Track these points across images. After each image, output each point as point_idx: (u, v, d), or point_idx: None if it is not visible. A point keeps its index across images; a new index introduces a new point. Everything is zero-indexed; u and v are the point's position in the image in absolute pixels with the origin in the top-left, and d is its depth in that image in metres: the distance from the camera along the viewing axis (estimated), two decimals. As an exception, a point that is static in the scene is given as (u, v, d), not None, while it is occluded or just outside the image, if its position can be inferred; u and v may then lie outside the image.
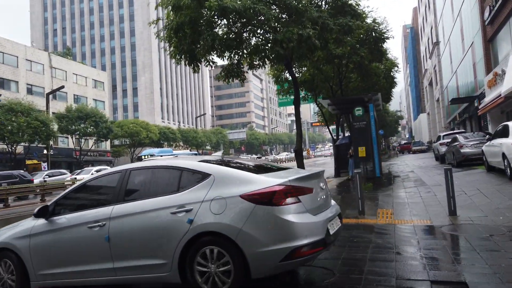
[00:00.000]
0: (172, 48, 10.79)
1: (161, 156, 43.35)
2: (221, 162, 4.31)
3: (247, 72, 13.23)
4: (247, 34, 10.79)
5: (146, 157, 42.76)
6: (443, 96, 40.97)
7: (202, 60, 11.70)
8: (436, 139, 23.95)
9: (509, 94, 14.66)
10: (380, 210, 8.03)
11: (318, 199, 3.99)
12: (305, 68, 17.35)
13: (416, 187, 10.89)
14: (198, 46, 9.57)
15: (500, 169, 11.02)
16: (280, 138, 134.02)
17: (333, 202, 4.63)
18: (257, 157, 69.65)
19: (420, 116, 72.23)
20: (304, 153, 76.02)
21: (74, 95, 53.83)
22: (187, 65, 11.40)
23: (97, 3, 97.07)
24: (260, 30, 10.70)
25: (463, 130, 23.37)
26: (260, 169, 4.42)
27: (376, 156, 12.27)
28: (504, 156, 9.77)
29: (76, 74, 54.93)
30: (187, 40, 9.70)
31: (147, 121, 77.55)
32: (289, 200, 3.58)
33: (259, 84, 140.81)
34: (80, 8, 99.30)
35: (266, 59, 11.43)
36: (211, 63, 12.16)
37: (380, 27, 17.40)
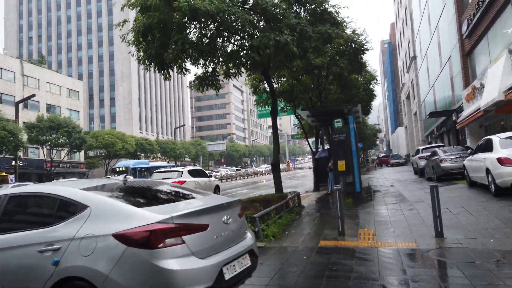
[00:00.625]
0: (140, 53, 10.04)
1: (137, 167, 42.03)
2: (112, 189, 3.71)
3: (222, 81, 12.58)
4: (222, 40, 10.14)
5: (120, 169, 41.33)
6: (420, 110, 41.41)
7: (174, 66, 10.99)
8: (414, 153, 23.81)
9: (488, 108, 14.50)
10: (361, 230, 7.40)
11: (215, 237, 3.34)
12: (284, 79, 16.85)
13: (397, 203, 10.37)
14: (168, 50, 8.84)
15: (482, 184, 10.64)
16: (260, 150, 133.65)
17: (248, 235, 3.93)
18: (236, 169, 68.77)
19: (397, 130, 73.23)
20: (284, 166, 74.63)
21: (47, 104, 51.94)
22: (157, 72, 10.66)
23: (75, 11, 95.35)
24: (236, 36, 10.08)
25: (441, 144, 23.35)
26: (160, 198, 3.82)
27: (356, 170, 11.74)
28: (488, 171, 9.38)
29: (50, 83, 53.11)
30: (155, 43, 8.98)
31: (124, 132, 75.80)
32: (169, 241, 2.98)
33: (240, 96, 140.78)
34: (57, 16, 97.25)
35: (242, 67, 10.80)
36: (183, 70, 11.46)
37: (359, 38, 17.15)
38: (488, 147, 9.80)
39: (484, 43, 16.73)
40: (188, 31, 9.38)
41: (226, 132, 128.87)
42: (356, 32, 17.07)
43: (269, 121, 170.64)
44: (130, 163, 41.92)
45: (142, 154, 65.01)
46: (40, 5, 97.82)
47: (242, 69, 12.73)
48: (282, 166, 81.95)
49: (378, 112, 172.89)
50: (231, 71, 12.47)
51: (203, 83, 12.08)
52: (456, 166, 15.20)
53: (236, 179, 48.69)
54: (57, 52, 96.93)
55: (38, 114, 44.44)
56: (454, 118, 23.21)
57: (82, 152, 54.87)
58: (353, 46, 16.94)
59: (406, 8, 44.98)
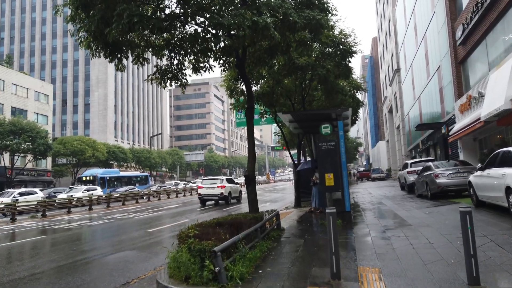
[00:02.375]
0: (81, 33, 7.96)
1: (105, 177, 39.20)
2: None
3: (190, 75, 10.59)
4: (184, 18, 8.16)
5: (87, 178, 38.42)
6: (404, 123, 40.39)
7: (128, 54, 8.95)
8: (402, 167, 22.29)
9: (490, 119, 13.02)
10: (361, 268, 5.46)
11: None
12: (263, 81, 14.99)
13: (398, 228, 8.51)
14: (113, 25, 6.78)
15: (495, 205, 8.94)
16: (240, 161, 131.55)
17: None
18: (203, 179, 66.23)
19: (378, 144, 72.60)
20: (264, 178, 72.81)
21: (11, 107, 48.52)
22: (106, 58, 8.59)
23: (50, 13, 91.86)
24: (202, 16, 8.14)
25: (432, 158, 21.92)
26: None
27: (346, 186, 9.89)
28: (509, 190, 7.66)
29: (16, 85, 49.77)
30: (96, 16, 6.92)
31: (96, 139, 72.33)
32: None
33: (221, 105, 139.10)
34: (31, 17, 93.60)
35: (208, 53, 8.86)
36: (141, 59, 9.43)
37: (347, 39, 15.54)
38: (507, 161, 8.11)
39: (482, 49, 15.39)
40: (138, 3, 7.36)
41: (206, 142, 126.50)
42: (344, 32, 15.47)
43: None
44: (99, 172, 39.08)
45: (115, 162, 61.86)
46: (13, 6, 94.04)
47: (214, 63, 10.87)
48: (261, 178, 79.45)
49: (358, 126, 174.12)
50: (200, 64, 10.52)
51: (165, 76, 10.07)
52: (454, 183, 13.63)
53: (212, 191, 46.22)
54: (30, 55, 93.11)
55: (0, 117, 41.15)
56: (443, 131, 21.86)
57: (49, 160, 51.42)
58: (341, 47, 15.32)
59: (389, 21, 44.34)
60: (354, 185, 40.32)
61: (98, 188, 33.22)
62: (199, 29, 8.29)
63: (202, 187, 23.33)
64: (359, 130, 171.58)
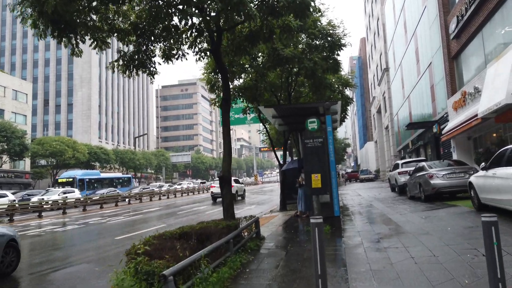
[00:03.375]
0: (29, 11, 6.71)
1: (85, 179, 37.53)
2: None
3: (160, 64, 9.40)
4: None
5: (65, 180, 36.72)
6: (392, 123, 39.71)
7: (83, 34, 7.73)
8: (392, 168, 21.39)
9: (488, 115, 12.11)
10: (355, 292, 4.35)
11: None
12: (246, 74, 13.85)
13: (394, 236, 7.44)
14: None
15: (502, 210, 7.96)
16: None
17: None
18: (200, 182, 64.94)
19: (367, 145, 72.13)
20: (252, 179, 72.22)
21: (-13, 106, 46.52)
22: (55, 39, 7.36)
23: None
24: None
25: (423, 158, 21.05)
26: None
27: (335, 188, 8.81)
28: (521, 193, 6.67)
29: (-8, 83, 47.74)
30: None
31: (80, 140, 70.29)
32: None
33: (208, 106, 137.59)
34: (12, 15, 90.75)
35: (177, 36, 7.70)
36: (100, 43, 8.21)
37: (336, 30, 14.54)
38: (518, 159, 7.13)
39: (478, 42, 14.53)
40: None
41: (193, 143, 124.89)
42: (332, 23, 14.46)
43: (238, 132, 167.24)
44: (78, 173, 37.39)
45: (98, 164, 60.00)
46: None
47: (188, 51, 9.69)
48: (249, 179, 78.15)
49: (346, 127, 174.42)
50: (172, 52, 9.35)
51: (131, 64, 8.85)
52: (450, 184, 12.69)
53: (199, 193, 45.01)
54: (11, 53, 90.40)
55: (-27, 116, 39.20)
56: (435, 130, 21.04)
57: (28, 161, 49.41)
58: (329, 39, 14.31)
59: (378, 19, 43.70)
60: (343, 186, 39.48)
61: (76, 190, 31.62)
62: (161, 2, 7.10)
63: (214, 186, 27.52)
64: (347, 131, 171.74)
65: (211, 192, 28.23)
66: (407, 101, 30.15)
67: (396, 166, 20.09)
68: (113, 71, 8.92)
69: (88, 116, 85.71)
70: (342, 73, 18.21)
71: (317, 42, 14.56)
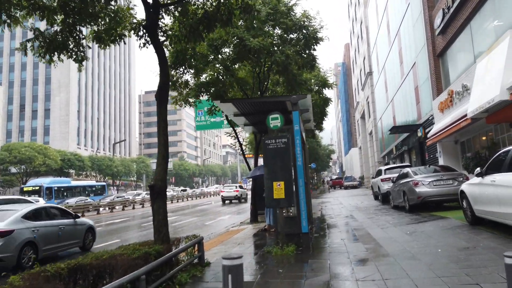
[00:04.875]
0: None
1: (53, 187, 35.25)
2: None
3: (89, 47, 7.75)
4: None
5: (31, 188, 34.37)
6: (376, 128, 38.64)
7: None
8: (375, 174, 20.04)
9: (478, 115, 10.80)
10: None
11: None
12: (209, 66, 12.26)
13: (372, 260, 5.91)
14: None
15: (502, 225, 6.53)
16: (212, 169, 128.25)
17: None
18: (181, 190, 62.77)
19: (351, 151, 71.26)
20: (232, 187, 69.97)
21: (-48, 110, 43.81)
22: None
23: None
24: None
25: (408, 164, 19.75)
26: None
27: (303, 199, 7.26)
28: (531, 205, 5.23)
29: (-42, 85, 45.08)
30: None
31: (57, 146, 67.58)
32: None
33: (193, 112, 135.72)
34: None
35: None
36: (7, 19, 6.56)
37: (311, 22, 13.13)
38: (523, 162, 5.71)
39: (465, 36, 13.31)
40: None
41: (177, 150, 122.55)
42: (307, 14, 13.05)
43: (223, 139, 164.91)
44: (45, 181, 35.08)
45: (73, 171, 57.44)
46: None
47: (126, 33, 8.09)
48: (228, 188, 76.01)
49: (331, 134, 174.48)
50: (107, 35, 7.72)
51: (51, 46, 7.19)
52: (437, 192, 11.32)
53: (178, 201, 43.08)
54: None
55: None
56: (420, 134, 19.80)
57: (-4, 168, 46.72)
58: (304, 32, 12.89)
59: (361, 23, 42.86)
60: (326, 193, 38.18)
61: (41, 199, 29.42)
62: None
63: (224, 191, 34.33)
64: (332, 138, 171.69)
65: (222, 196, 33.92)
66: (390, 105, 29.03)
67: (379, 173, 18.75)
68: (25, 54, 7.25)
69: (66, 122, 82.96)
70: (322, 70, 16.85)
71: (292, 36, 13.16)
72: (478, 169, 7.14)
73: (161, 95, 6.25)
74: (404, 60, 23.04)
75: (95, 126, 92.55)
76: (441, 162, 16.07)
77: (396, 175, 15.03)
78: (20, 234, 8.00)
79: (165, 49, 10.01)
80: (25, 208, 8.82)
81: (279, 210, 7.12)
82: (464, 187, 7.96)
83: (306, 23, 12.88)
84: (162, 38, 8.73)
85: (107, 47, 7.66)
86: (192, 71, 12.52)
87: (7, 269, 7.15)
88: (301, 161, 7.52)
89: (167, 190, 6.09)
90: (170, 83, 12.89)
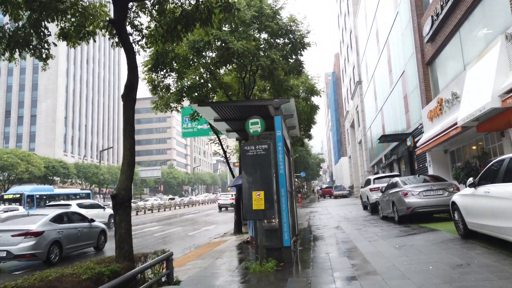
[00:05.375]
0: None
1: (34, 195, 34.12)
2: None
3: (55, 45, 7.18)
4: None
5: (11, 196, 33.22)
6: (365, 137, 38.45)
7: None
8: (364, 183, 19.63)
9: (469, 124, 10.47)
10: None
11: None
12: (191, 69, 11.74)
13: (358, 279, 5.39)
14: None
15: (496, 239, 6.08)
16: (202, 178, 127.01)
17: None
18: (169, 198, 61.75)
19: (341, 160, 71.14)
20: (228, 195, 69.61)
21: None
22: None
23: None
24: None
25: (397, 174, 19.38)
26: None
27: (286, 210, 6.75)
28: (530, 219, 4.79)
29: None
30: None
31: (42, 153, 66.18)
32: None
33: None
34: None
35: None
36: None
37: (299, 27, 12.77)
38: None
39: (455, 43, 13.06)
40: None
41: (166, 157, 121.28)
42: (295, 18, 12.69)
43: (214, 147, 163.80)
44: (26, 189, 33.97)
45: (58, 178, 56.08)
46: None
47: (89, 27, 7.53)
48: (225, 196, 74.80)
49: (322, 143, 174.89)
50: (75, 32, 7.18)
51: (12, 42, 6.62)
52: (427, 203, 10.90)
53: (165, 210, 42.18)
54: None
55: None
56: (409, 143, 19.50)
57: (-23, 175, 45.26)
58: (291, 37, 12.51)
59: (351, 32, 42.94)
60: (316, 202, 37.73)
61: (20, 208, 28.36)
62: None
63: (220, 199, 36.48)
64: (323, 147, 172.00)
65: (218, 203, 35.73)
66: (380, 114, 28.83)
67: (367, 182, 18.33)
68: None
69: (53, 128, 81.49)
70: (310, 77, 16.48)
71: (278, 41, 12.76)
72: (470, 179, 6.71)
73: (128, 95, 5.72)
74: (393, 68, 22.86)
75: (82, 133, 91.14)
76: (430, 171, 15.72)
77: (385, 184, 14.63)
78: (49, 234, 9.59)
79: (145, 51, 9.54)
80: (52, 213, 10.38)
81: (259, 222, 6.58)
82: (456, 198, 7.53)
83: (293, 27, 12.51)
84: (138, 38, 8.24)
85: (76, 45, 7.11)
86: (174, 75, 12.02)
87: (39, 263, 9.53)
88: (283, 170, 7.02)
89: (131, 200, 5.52)
90: (152, 87, 12.40)
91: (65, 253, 10.20)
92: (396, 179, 12.87)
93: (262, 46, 12.36)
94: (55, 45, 7.04)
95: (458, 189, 11.12)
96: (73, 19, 7.17)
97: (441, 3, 12.87)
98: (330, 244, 8.86)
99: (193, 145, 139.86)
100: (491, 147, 11.93)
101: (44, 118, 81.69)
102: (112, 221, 14.31)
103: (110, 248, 11.13)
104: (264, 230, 6.89)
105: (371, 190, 17.04)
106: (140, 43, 8.30)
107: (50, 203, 27.88)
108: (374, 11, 27.54)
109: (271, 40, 12.65)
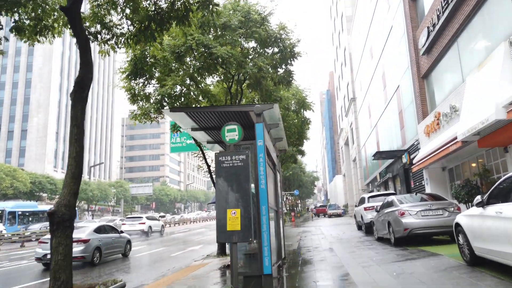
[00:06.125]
0: None
1: (16, 211, 32.75)
2: None
3: (7, 40, 6.36)
4: None
5: (-9, 212, 31.82)
6: (360, 155, 37.73)
7: None
8: (358, 202, 18.73)
9: (469, 138, 9.70)
10: None
11: None
12: (171, 76, 10.94)
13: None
14: None
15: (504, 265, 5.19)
16: (195, 195, 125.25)
17: None
18: (159, 216, 60.16)
19: (335, 178, 70.20)
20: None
21: None
22: None
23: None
24: None
25: (392, 192, 18.49)
26: None
27: (267, 232, 5.84)
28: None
29: None
30: None
31: (32, 168, 64.90)
32: None
33: (177, 136, 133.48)
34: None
35: None
36: None
37: (289, 35, 12.12)
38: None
39: (452, 55, 12.43)
40: None
41: (159, 174, 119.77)
42: (284, 26, 12.04)
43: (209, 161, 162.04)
44: (8, 205, 32.61)
45: (45, 194, 54.55)
46: None
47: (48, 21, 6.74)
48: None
49: (316, 161, 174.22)
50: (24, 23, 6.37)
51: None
52: (426, 224, 10.02)
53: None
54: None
55: None
56: (405, 160, 18.72)
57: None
58: (280, 45, 11.84)
59: (345, 49, 42.76)
60: (309, 221, 36.63)
61: (0, 225, 27.04)
62: None
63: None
64: (317, 165, 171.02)
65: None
66: (374, 130, 28.18)
67: (362, 201, 17.44)
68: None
69: (44, 143, 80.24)
70: (301, 88, 15.77)
71: (267, 50, 12.08)
72: (478, 198, 5.87)
73: (77, 93, 4.88)
74: (387, 84, 22.30)
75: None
76: (428, 190, 14.89)
77: (380, 203, 13.77)
78: (93, 241, 12.22)
79: (116, 52, 8.73)
80: (94, 225, 13.50)
81: (234, 246, 5.65)
82: (460, 219, 6.66)
83: (283, 35, 11.85)
84: (107, 36, 7.47)
85: (30, 40, 6.30)
86: (155, 83, 11.23)
87: (86, 263, 12.09)
88: (265, 184, 6.14)
89: (75, 219, 4.60)
90: (131, 96, 11.53)
91: (104, 257, 12.78)
92: (392, 197, 12.00)
93: (251, 56, 11.68)
94: (7, 39, 6.21)
95: (459, 209, 10.28)
96: (32, 12, 6.39)
97: (438, 13, 12.31)
98: (320, 270, 7.90)
99: (187, 162, 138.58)
100: (493, 164, 11.14)
101: (35, 133, 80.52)
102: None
103: (132, 256, 14.56)
104: (243, 253, 5.96)
105: (365, 209, 16.16)
106: (109, 43, 7.53)
107: (130, 216, 32.08)
108: (368, 27, 27.22)
109: (260, 49, 11.98)
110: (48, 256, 11.02)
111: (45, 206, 37.91)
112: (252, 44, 12.15)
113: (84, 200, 59.90)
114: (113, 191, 71.81)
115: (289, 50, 11.82)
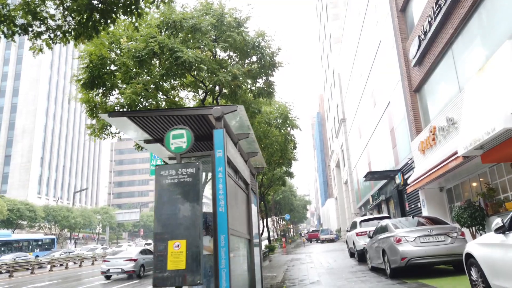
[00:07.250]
0: None
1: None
2: None
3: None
4: None
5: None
6: (351, 177, 36.49)
7: None
8: (350, 227, 17.29)
9: (471, 153, 8.50)
10: None
11: None
12: (132, 84, 9.66)
13: None
14: None
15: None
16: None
17: None
18: (145, 244, 57.63)
19: (327, 202, 68.63)
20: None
21: None
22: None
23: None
24: None
25: (387, 216, 17.08)
26: None
27: (226, 270, 4.43)
28: None
29: None
30: None
31: (14, 195, 62.44)
32: None
33: (168, 160, 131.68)
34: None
35: None
36: None
37: (269, 42, 11.04)
38: None
39: (447, 64, 11.41)
40: None
41: (149, 200, 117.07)
42: (263, 33, 10.98)
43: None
44: (-22, 234, 30.44)
45: (25, 222, 51.96)
46: None
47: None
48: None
49: (309, 185, 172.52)
50: None
51: None
52: (426, 252, 8.65)
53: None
54: None
55: None
56: (398, 181, 17.47)
57: None
58: (259, 54, 10.74)
59: (334, 70, 42.30)
60: (301, 248, 34.89)
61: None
62: None
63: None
64: (310, 189, 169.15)
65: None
66: (365, 151, 27.05)
67: (353, 225, 16.03)
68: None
69: (28, 169, 77.86)
70: (283, 102, 14.62)
71: (247, 62, 10.97)
72: (498, 221, 4.55)
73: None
74: (377, 101, 21.33)
75: (59, 174, 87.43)
76: (425, 213, 13.56)
77: (373, 228, 12.41)
78: (140, 260, 16.63)
79: (80, 63, 7.49)
80: (139, 248, 18.52)
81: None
82: (473, 249, 5.31)
83: (262, 43, 10.76)
84: (39, 29, 6.22)
85: None
86: (116, 93, 9.94)
87: (135, 276, 16.67)
88: (224, 207, 4.77)
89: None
90: (89, 109, 10.22)
91: (146, 273, 17.05)
92: (386, 221, 10.63)
93: (226, 64, 10.52)
94: None
95: (463, 234, 8.96)
96: None
97: (430, 19, 11.36)
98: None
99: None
100: (499, 182, 9.90)
101: (19, 159, 78.30)
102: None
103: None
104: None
105: (357, 234, 14.75)
106: (43, 37, 6.27)
107: (115, 248, 31.33)
108: (356, 45, 26.58)
109: (237, 58, 10.85)
110: (111, 270, 16.46)
111: (24, 235, 35.74)
112: (229, 53, 11.05)
113: (66, 227, 57.26)
114: (98, 218, 69.16)
115: (269, 58, 10.73)
